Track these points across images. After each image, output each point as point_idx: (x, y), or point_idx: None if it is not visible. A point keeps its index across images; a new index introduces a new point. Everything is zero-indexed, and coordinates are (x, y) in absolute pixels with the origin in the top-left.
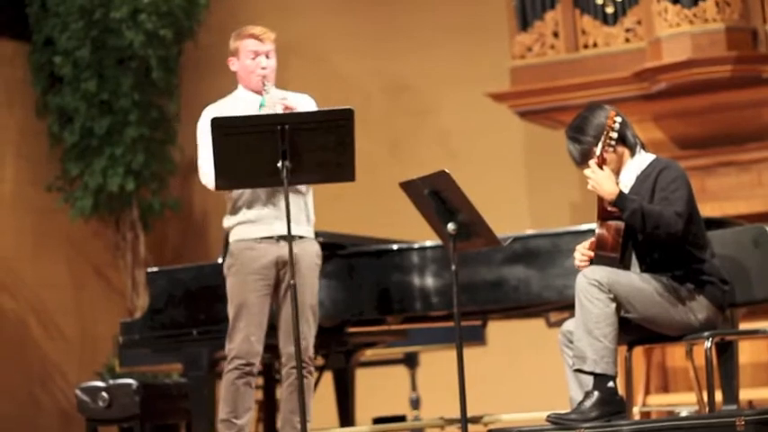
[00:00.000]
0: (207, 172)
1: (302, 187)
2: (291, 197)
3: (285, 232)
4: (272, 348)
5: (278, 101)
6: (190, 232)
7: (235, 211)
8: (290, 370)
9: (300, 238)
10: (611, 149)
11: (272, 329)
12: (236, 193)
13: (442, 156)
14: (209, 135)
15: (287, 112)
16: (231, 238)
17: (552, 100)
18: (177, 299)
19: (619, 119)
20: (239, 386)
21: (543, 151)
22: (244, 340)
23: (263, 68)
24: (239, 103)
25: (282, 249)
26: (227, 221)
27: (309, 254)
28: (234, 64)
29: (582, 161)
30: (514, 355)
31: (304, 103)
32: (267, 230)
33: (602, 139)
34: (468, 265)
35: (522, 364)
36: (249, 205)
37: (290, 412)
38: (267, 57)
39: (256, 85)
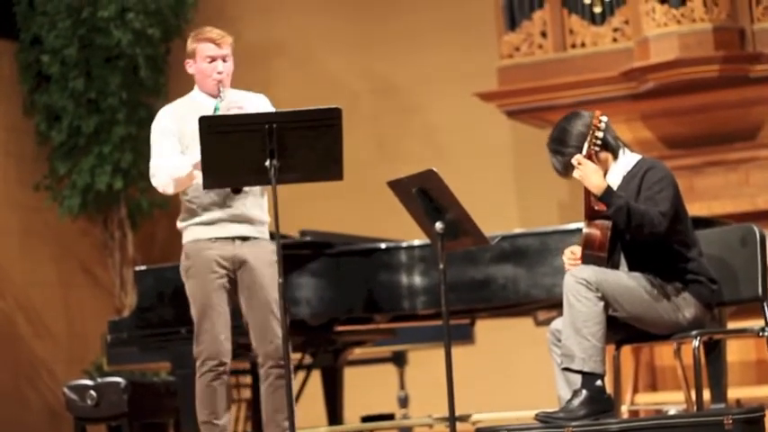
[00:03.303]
0: (158, 174)
1: (256, 189)
2: (250, 198)
3: (241, 233)
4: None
5: (232, 105)
6: (178, 231)
7: (190, 212)
8: (268, 370)
9: (255, 239)
10: (597, 148)
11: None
12: (189, 195)
13: (429, 155)
14: (161, 136)
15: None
16: (186, 239)
17: (540, 99)
18: (165, 297)
19: (604, 119)
20: (215, 387)
21: (531, 150)
22: (213, 341)
23: (219, 73)
24: (195, 105)
25: (238, 249)
26: (181, 223)
27: (265, 252)
28: (191, 66)
29: (565, 172)
30: (503, 354)
31: (259, 104)
32: (223, 231)
33: (589, 138)
34: (457, 263)
35: (510, 363)
36: (205, 207)
37: (273, 411)
38: (224, 61)
39: (212, 88)
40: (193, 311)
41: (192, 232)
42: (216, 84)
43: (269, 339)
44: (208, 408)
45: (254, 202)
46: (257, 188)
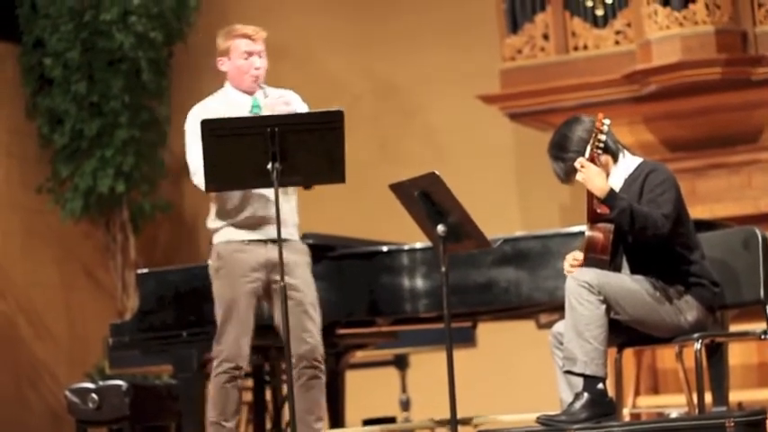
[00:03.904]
0: (197, 171)
1: (289, 189)
2: (282, 198)
3: (274, 235)
4: (261, 350)
5: (277, 101)
6: (180, 234)
7: (222, 213)
8: (301, 370)
9: (287, 240)
10: (599, 151)
11: (264, 331)
12: (223, 196)
13: (431, 157)
14: (193, 135)
15: (288, 111)
16: (217, 240)
17: (542, 102)
18: (167, 300)
19: (607, 121)
20: (228, 389)
21: (533, 153)
22: (233, 343)
23: (257, 69)
24: (230, 102)
25: (271, 252)
26: (213, 223)
27: (301, 254)
28: (224, 64)
29: (567, 178)
30: (504, 357)
31: (296, 101)
32: (256, 233)
33: (592, 141)
34: (458, 266)
35: (512, 366)
36: (238, 208)
37: (303, 412)
38: (260, 56)
39: (249, 86)
40: (218, 311)
41: (224, 233)
42: (254, 80)
43: (304, 340)
44: (218, 408)
45: (288, 203)
46: (289, 189)
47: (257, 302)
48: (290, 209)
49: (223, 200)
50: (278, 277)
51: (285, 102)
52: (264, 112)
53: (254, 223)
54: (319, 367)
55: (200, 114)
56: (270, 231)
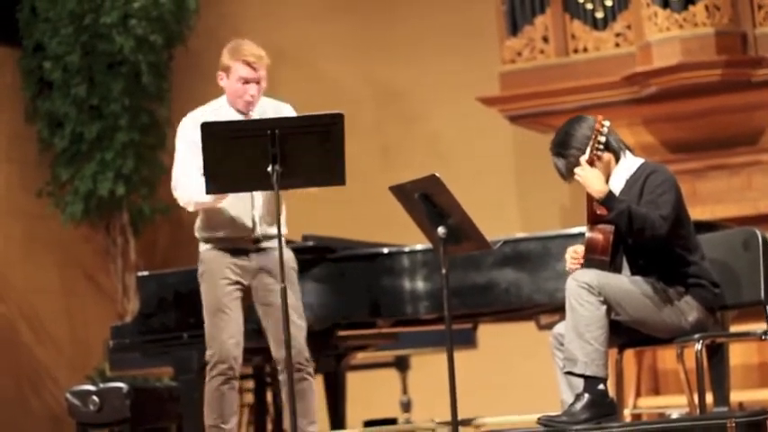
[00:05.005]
0: (180, 190)
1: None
2: (265, 208)
3: (257, 245)
4: (262, 351)
5: None
6: (180, 237)
7: (208, 224)
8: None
9: (271, 249)
10: (599, 153)
11: (259, 332)
12: (209, 210)
13: (432, 160)
14: (188, 150)
15: None
16: (202, 247)
17: (542, 104)
18: (167, 303)
19: (606, 123)
20: (224, 391)
21: (533, 155)
22: (224, 345)
23: (252, 96)
24: (221, 117)
25: (254, 259)
26: (200, 232)
27: (285, 259)
28: (223, 80)
29: (569, 176)
30: (505, 358)
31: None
32: (240, 246)
33: (591, 143)
34: (459, 268)
35: (512, 367)
36: (223, 225)
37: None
38: (257, 83)
39: (241, 108)
40: (206, 316)
41: (210, 242)
42: (245, 105)
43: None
44: (215, 411)
45: (273, 218)
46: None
47: (243, 304)
48: (278, 214)
49: (208, 213)
50: (260, 283)
51: None
52: None
53: (237, 239)
54: (306, 369)
55: (191, 123)
56: (253, 246)
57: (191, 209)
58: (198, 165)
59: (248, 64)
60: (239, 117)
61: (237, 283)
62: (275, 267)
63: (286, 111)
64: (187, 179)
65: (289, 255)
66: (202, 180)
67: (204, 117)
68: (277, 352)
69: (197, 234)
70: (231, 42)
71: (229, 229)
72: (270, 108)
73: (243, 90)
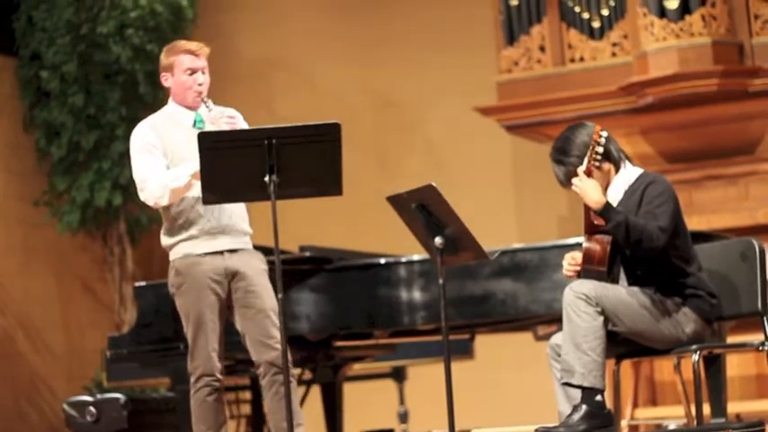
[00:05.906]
0: (148, 186)
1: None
2: (234, 209)
3: (230, 246)
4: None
5: (222, 117)
6: None
7: (174, 228)
8: (272, 377)
9: (243, 249)
10: (597, 164)
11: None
12: (174, 210)
13: (429, 170)
14: (147, 152)
15: (231, 128)
16: (174, 256)
17: (539, 114)
18: (164, 313)
19: (604, 133)
20: (211, 402)
21: (530, 165)
22: (208, 357)
23: (200, 84)
24: (174, 119)
25: (228, 261)
26: (167, 240)
27: (257, 261)
28: (168, 80)
29: (568, 182)
30: (502, 369)
31: (239, 118)
32: (212, 246)
33: (589, 153)
34: (456, 278)
35: (509, 378)
36: (191, 222)
37: (281, 420)
38: (203, 72)
39: (193, 101)
40: (187, 328)
41: (180, 248)
42: (197, 95)
43: (270, 346)
44: (205, 423)
45: (239, 213)
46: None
47: (221, 312)
48: (242, 218)
49: (174, 215)
50: (238, 286)
51: (229, 116)
52: (208, 127)
53: (207, 235)
54: (289, 371)
55: (143, 131)
56: (224, 242)
57: (164, 201)
58: (161, 164)
59: (191, 52)
60: (190, 114)
61: (217, 294)
62: (249, 269)
63: (239, 118)
64: (155, 171)
65: (258, 255)
66: (171, 170)
67: (156, 123)
68: (258, 355)
69: (164, 242)
70: (166, 46)
71: (200, 224)
72: (218, 110)
73: (192, 80)
